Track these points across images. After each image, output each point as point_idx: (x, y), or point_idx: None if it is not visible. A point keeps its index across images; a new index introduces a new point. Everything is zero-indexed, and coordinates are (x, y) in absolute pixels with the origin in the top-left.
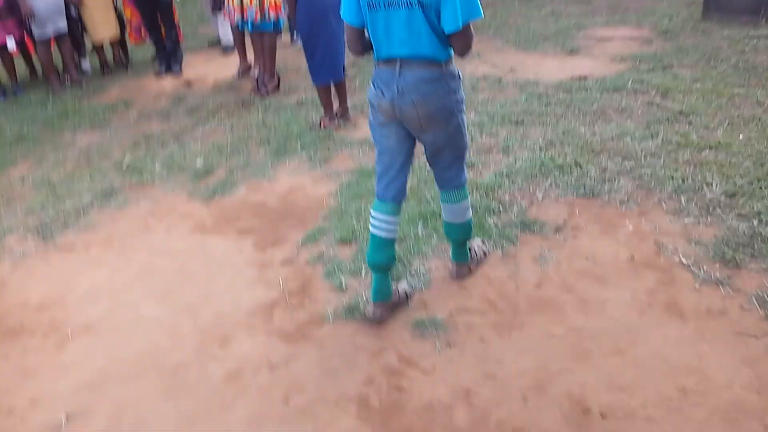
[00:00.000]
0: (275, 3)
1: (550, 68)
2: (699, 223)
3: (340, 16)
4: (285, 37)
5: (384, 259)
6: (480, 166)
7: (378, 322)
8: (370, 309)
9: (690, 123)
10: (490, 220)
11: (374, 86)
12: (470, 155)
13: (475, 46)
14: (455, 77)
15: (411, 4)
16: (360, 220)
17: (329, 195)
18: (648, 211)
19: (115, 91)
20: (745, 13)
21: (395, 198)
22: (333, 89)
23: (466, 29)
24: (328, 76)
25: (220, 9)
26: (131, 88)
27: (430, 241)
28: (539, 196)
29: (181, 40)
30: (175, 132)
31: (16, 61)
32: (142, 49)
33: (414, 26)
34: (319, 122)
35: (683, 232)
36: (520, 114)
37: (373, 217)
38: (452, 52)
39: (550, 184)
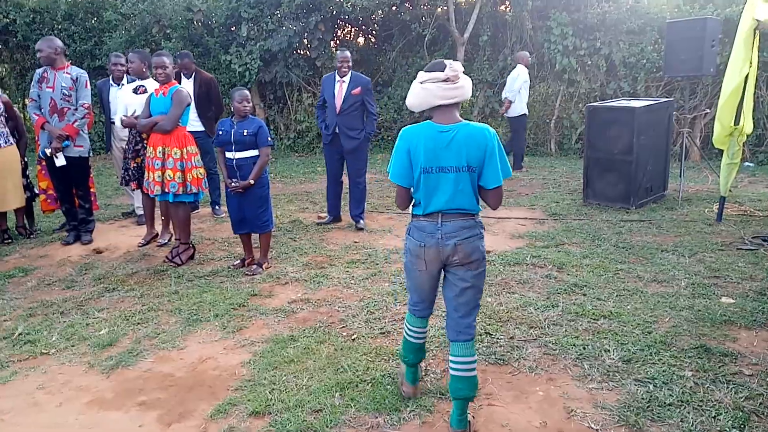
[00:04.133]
0: (197, 177)
1: None
2: (602, 388)
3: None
4: (205, 208)
5: (419, 359)
6: (395, 334)
7: (411, 397)
8: (406, 389)
9: (584, 294)
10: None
11: (414, 237)
12: (386, 323)
13: (388, 221)
14: (483, 227)
15: (460, 169)
16: (275, 390)
17: (242, 365)
18: (556, 377)
19: (14, 260)
20: (618, 200)
21: (428, 315)
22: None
23: (501, 186)
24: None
25: (128, 184)
26: (33, 256)
27: (348, 411)
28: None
29: (96, 209)
30: (78, 300)
31: None
32: (50, 217)
33: (459, 185)
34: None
35: (589, 397)
36: None
37: (410, 329)
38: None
39: None
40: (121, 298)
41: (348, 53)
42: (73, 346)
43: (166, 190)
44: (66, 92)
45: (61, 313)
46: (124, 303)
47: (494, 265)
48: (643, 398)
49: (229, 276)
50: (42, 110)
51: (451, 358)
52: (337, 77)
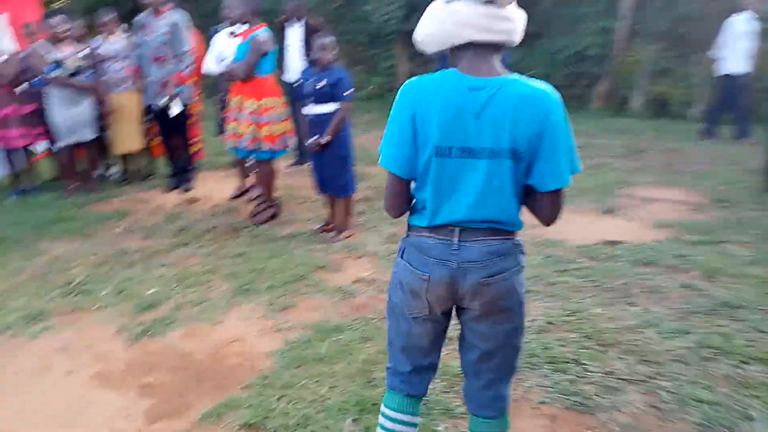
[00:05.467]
0: (271, 134)
1: (579, 228)
2: None
3: None
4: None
5: None
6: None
7: None
8: None
9: (738, 320)
10: (442, 427)
11: (412, 264)
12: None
13: None
14: (524, 253)
15: (497, 154)
16: (283, 398)
17: (268, 355)
18: None
19: (119, 201)
20: None
21: (422, 394)
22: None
23: (563, 189)
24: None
25: (222, 133)
26: (136, 200)
27: None
28: (514, 397)
29: (200, 158)
30: (149, 252)
31: (45, 161)
32: None
33: (494, 183)
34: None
35: None
36: (528, 281)
37: (388, 417)
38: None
39: (534, 384)
40: (188, 255)
41: None
42: (117, 303)
43: (238, 146)
44: (163, 39)
45: (129, 264)
46: (188, 260)
47: (619, 262)
48: None
49: (305, 241)
50: (142, 59)
51: None
52: None
